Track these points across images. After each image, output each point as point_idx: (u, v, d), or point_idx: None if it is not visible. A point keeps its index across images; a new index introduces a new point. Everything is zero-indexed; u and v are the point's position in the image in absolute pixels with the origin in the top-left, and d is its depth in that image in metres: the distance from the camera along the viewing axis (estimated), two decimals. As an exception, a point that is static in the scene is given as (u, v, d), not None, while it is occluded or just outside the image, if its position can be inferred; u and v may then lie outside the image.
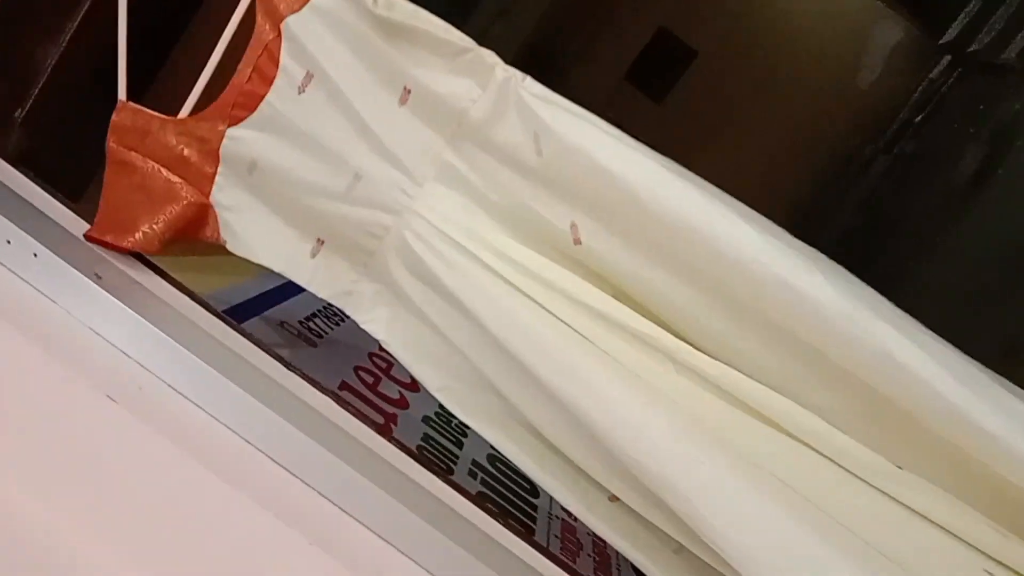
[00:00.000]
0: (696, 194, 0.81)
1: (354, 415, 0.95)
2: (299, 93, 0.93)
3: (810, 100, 2.81)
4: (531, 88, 0.87)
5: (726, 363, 0.86)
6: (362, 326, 0.97)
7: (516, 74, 0.88)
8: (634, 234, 0.85)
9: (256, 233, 0.97)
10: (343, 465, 0.81)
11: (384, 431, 1.11)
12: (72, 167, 0.98)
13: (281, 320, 1.27)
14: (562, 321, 0.89)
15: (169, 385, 0.79)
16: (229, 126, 0.95)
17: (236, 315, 1.20)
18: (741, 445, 0.83)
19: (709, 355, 0.87)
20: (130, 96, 0.97)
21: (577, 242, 0.89)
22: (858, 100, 2.82)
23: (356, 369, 1.26)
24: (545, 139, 0.85)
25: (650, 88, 2.76)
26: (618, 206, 0.84)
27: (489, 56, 0.88)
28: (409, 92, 0.91)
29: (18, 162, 0.93)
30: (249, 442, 0.79)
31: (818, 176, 2.85)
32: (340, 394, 1.16)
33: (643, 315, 0.88)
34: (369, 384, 1.24)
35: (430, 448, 1.18)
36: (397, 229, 0.93)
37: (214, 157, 0.96)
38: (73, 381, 0.75)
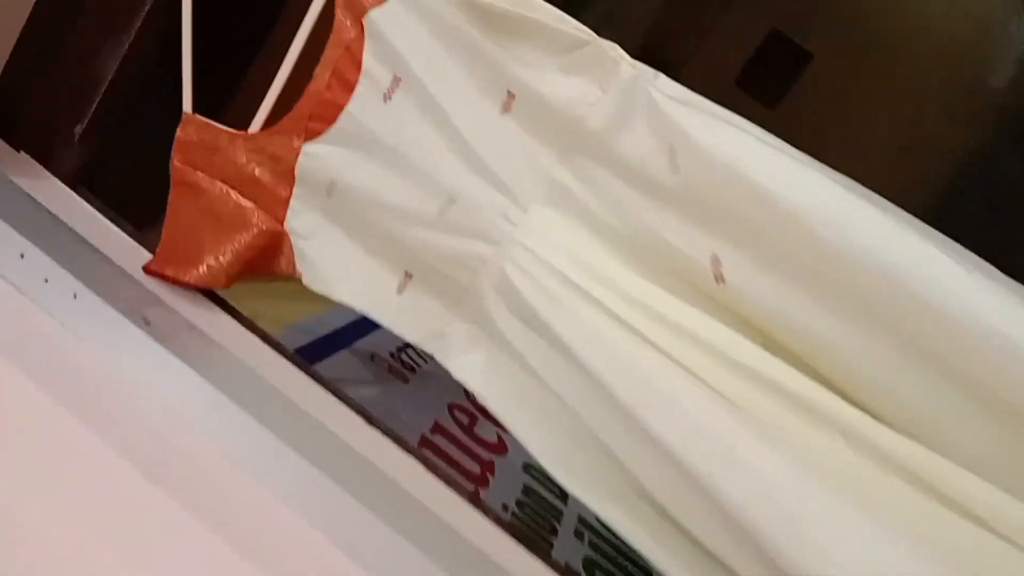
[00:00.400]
0: (893, 226, 0.58)
1: (441, 478, 0.76)
2: (384, 101, 0.75)
3: (937, 103, 2.49)
4: (666, 88, 0.66)
5: (914, 438, 0.63)
6: (453, 374, 0.77)
7: (646, 71, 0.67)
8: (800, 274, 0.62)
9: (335, 265, 0.79)
10: (422, 556, 0.62)
11: (479, 482, 0.92)
12: (141, 190, 0.83)
13: (372, 352, 1.11)
14: (698, 377, 0.68)
15: (223, 453, 0.62)
16: (305, 141, 0.77)
17: (323, 348, 1.04)
18: (940, 546, 0.61)
19: (892, 427, 0.64)
20: (207, 110, 0.81)
21: (719, 279, 0.67)
22: (990, 102, 2.48)
23: (450, 408, 1.07)
24: (684, 152, 0.64)
25: (762, 94, 2.50)
26: (780, 238, 0.62)
27: (612, 49, 0.68)
28: (513, 97, 0.72)
29: (78, 184, 0.79)
30: (316, 527, 0.61)
31: (946, 185, 2.52)
32: (432, 439, 0.98)
33: (805, 374, 0.66)
34: (464, 426, 1.05)
35: (531, 504, 0.98)
36: (496, 261, 0.74)
37: (289, 177, 0.79)
38: (105, 447, 0.59)
